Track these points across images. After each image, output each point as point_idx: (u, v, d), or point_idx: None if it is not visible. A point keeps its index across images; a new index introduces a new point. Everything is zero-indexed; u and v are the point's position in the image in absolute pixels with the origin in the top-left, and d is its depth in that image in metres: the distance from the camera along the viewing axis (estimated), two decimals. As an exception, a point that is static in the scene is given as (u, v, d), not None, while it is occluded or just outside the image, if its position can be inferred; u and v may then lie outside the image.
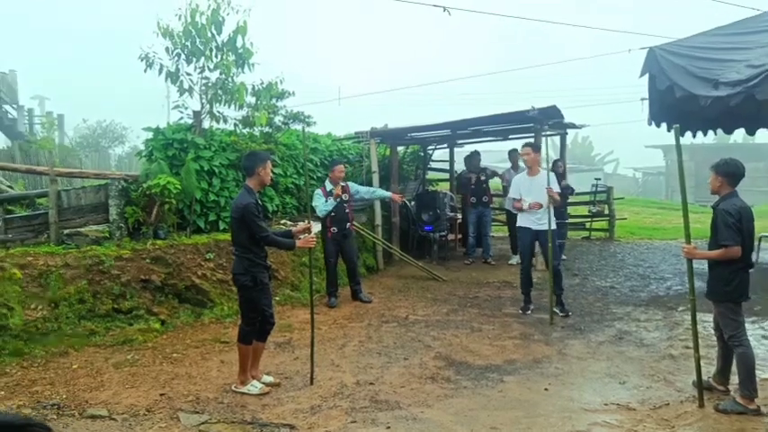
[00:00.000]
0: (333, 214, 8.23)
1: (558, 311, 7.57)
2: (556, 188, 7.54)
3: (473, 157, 11.72)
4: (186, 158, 8.18)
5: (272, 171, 5.49)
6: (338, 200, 8.23)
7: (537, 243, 7.77)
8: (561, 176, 11.44)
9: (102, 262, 6.87)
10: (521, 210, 7.67)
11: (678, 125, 4.69)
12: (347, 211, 8.45)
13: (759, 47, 7.10)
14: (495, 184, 12.85)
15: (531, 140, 8.79)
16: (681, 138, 10.23)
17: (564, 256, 11.53)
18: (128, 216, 7.71)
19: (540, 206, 7.45)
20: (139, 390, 5.26)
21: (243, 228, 5.03)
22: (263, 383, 5.24)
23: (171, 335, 6.82)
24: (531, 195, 7.60)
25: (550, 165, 11.19)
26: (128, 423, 4.62)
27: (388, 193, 9.32)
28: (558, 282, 7.64)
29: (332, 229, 8.26)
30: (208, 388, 5.30)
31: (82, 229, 7.75)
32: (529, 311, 7.80)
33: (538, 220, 7.56)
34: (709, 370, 5.21)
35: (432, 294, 9.01)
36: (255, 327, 5.22)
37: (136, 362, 5.95)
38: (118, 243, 7.43)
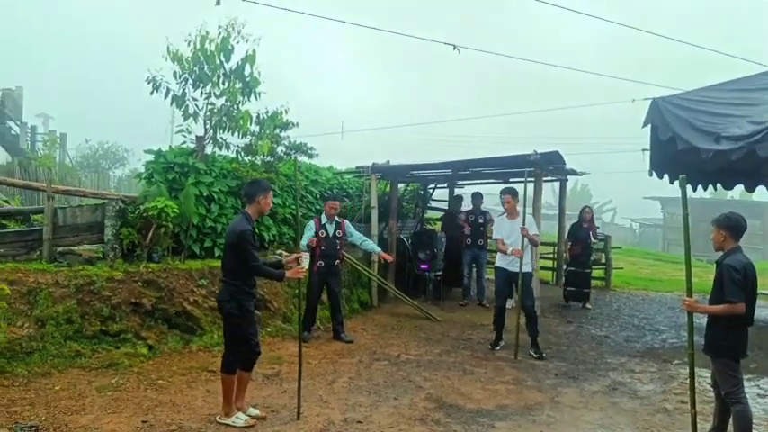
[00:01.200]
0: (322, 248, 8.15)
1: (533, 353, 7.73)
2: (533, 230, 7.86)
3: (476, 199, 11.73)
4: (186, 183, 8.15)
5: (272, 201, 5.45)
6: (324, 237, 8.19)
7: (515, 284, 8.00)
8: (590, 223, 11.49)
9: (93, 282, 6.78)
10: (504, 252, 7.95)
11: (685, 175, 4.65)
12: (338, 247, 8.40)
13: (762, 104, 7.15)
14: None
15: (510, 186, 8.97)
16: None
17: (589, 305, 11.50)
18: (123, 237, 7.64)
19: (522, 254, 7.68)
20: (121, 416, 5.12)
21: (236, 254, 4.94)
22: (249, 416, 5.10)
23: (158, 360, 6.68)
24: (511, 238, 7.92)
25: (577, 211, 11.70)
26: (107, 450, 4.49)
27: (378, 249, 9.11)
28: (533, 324, 7.83)
29: (319, 262, 8.12)
30: (191, 417, 5.17)
31: (75, 248, 7.66)
32: (498, 348, 8.09)
33: (511, 262, 7.87)
34: (704, 426, 5.11)
35: (425, 334, 8.90)
36: (239, 356, 5.09)
37: (120, 386, 5.82)
38: (111, 264, 7.35)
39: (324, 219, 8.32)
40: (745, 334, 4.68)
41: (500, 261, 8.12)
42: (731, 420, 4.73)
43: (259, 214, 5.34)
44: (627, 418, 5.63)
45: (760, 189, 11.34)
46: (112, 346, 6.62)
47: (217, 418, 5.07)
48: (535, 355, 7.67)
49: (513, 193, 8.20)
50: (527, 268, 7.79)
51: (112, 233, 7.61)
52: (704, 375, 6.80)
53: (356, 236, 8.70)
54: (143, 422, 5.00)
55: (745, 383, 6.77)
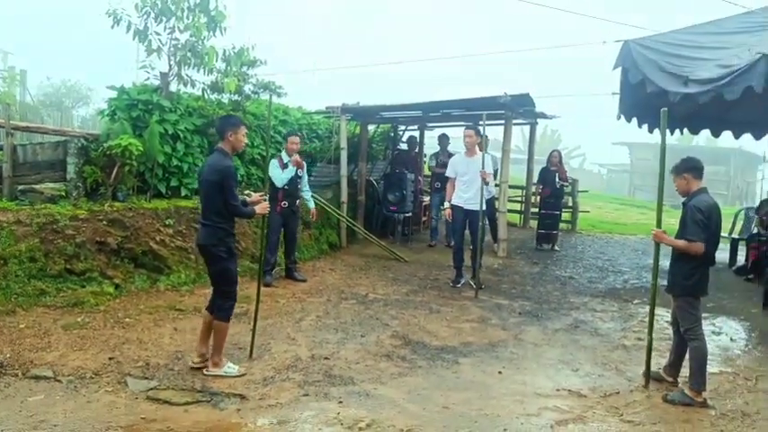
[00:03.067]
0: (285, 187, 7.96)
1: (472, 283, 8.18)
2: (489, 169, 8.15)
3: (442, 140, 11.73)
4: (150, 120, 7.96)
5: (244, 138, 5.14)
6: (296, 169, 8.03)
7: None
8: (558, 167, 11.56)
9: (56, 221, 6.65)
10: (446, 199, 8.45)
11: (666, 108, 4.69)
12: (299, 186, 8.26)
13: (732, 47, 7.16)
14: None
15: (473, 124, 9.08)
16: (650, 134, 10.33)
17: (557, 248, 11.71)
18: (86, 176, 7.48)
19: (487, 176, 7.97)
20: (88, 353, 5.13)
21: (218, 193, 4.67)
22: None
23: (124, 299, 6.66)
24: (466, 176, 8.11)
25: (545, 155, 12.02)
26: (73, 385, 4.50)
27: (312, 206, 8.58)
28: (478, 257, 8.15)
29: (282, 203, 7.94)
30: (159, 354, 5.20)
31: (37, 186, 7.51)
32: (459, 284, 8.36)
33: (468, 200, 8.08)
34: (659, 362, 5.30)
35: (393, 274, 8.99)
36: (235, 299, 4.98)
37: (86, 324, 5.80)
38: (74, 203, 7.22)
39: (285, 157, 8.08)
40: (707, 273, 4.82)
41: (456, 199, 8.28)
42: (687, 356, 4.90)
43: (233, 151, 5.04)
44: (587, 354, 5.81)
45: (726, 134, 11.48)
46: (78, 285, 6.55)
47: (204, 371, 4.83)
48: (474, 286, 8.05)
49: (476, 130, 8.32)
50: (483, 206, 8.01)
51: (75, 171, 7.44)
52: (662, 314, 7.01)
53: (305, 181, 8.48)
54: (109, 359, 5.01)
55: (703, 322, 7.04)
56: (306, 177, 8.49)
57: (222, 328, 4.89)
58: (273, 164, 7.94)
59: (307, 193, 8.52)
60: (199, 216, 5.53)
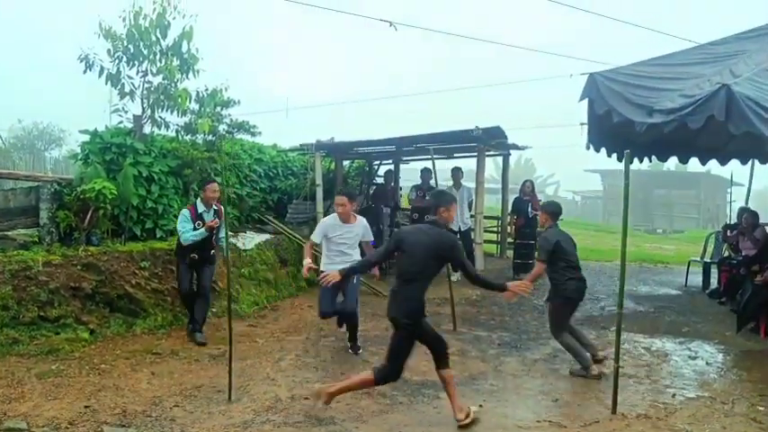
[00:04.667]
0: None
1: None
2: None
3: (424, 174, 11.86)
4: (124, 163, 7.95)
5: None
6: (209, 230, 6.93)
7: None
8: (531, 196, 11.73)
9: (29, 267, 6.57)
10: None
11: (629, 150, 4.83)
12: (213, 238, 7.11)
13: (693, 78, 7.37)
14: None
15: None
16: (619, 163, 10.52)
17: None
18: (59, 221, 7.43)
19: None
20: (63, 401, 5.04)
21: None
22: None
23: (100, 345, 6.57)
24: (342, 245, 6.80)
25: (520, 185, 12.01)
26: (48, 436, 4.41)
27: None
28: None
29: (192, 255, 6.95)
30: (136, 400, 5.12)
31: (9, 233, 7.42)
32: None
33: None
34: (638, 389, 5.37)
35: (371, 309, 8.97)
36: None
37: (61, 372, 5.70)
38: (47, 248, 7.15)
39: (200, 207, 7.06)
40: (573, 284, 6.16)
41: (328, 265, 6.55)
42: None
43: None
44: (566, 384, 5.85)
45: (693, 160, 11.75)
46: (52, 332, 6.46)
47: None
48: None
49: (350, 195, 7.05)
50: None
51: (48, 216, 7.39)
52: (640, 341, 7.11)
53: (222, 226, 6.82)
54: (85, 407, 4.93)
55: (678, 346, 7.17)
56: (224, 223, 6.65)
57: None
58: (184, 216, 6.94)
59: (224, 241, 6.68)
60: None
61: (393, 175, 13.33)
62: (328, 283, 5.18)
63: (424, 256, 4.70)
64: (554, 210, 6.48)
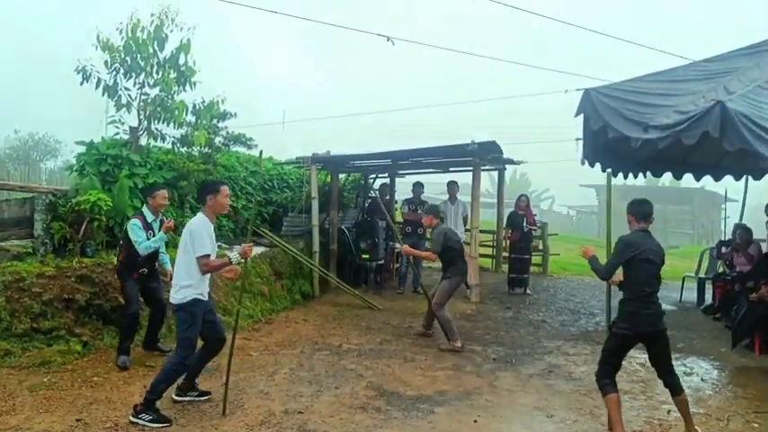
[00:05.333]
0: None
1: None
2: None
3: (416, 188, 11.86)
4: (120, 175, 7.95)
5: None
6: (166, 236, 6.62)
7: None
8: (526, 211, 11.74)
9: (22, 279, 6.54)
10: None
11: (611, 169, 4.85)
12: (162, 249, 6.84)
13: (687, 94, 7.41)
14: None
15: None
16: (613, 178, 10.57)
17: (529, 291, 11.78)
18: (54, 232, 7.41)
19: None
20: (54, 414, 4.99)
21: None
22: None
23: (93, 357, 6.52)
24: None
25: (515, 199, 12.14)
26: (39, 450, 4.37)
27: (169, 268, 6.75)
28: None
29: (141, 269, 6.60)
30: (128, 414, 5.07)
31: (3, 244, 7.39)
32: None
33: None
34: (632, 404, 5.35)
35: (366, 323, 8.96)
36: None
37: (53, 385, 5.65)
38: (42, 259, 7.12)
39: (149, 215, 6.60)
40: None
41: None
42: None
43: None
44: (561, 400, 5.82)
45: (687, 176, 11.79)
46: (44, 344, 6.40)
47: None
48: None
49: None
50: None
51: (43, 228, 7.37)
52: (635, 356, 7.09)
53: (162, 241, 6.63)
54: (77, 420, 4.88)
55: (674, 362, 7.12)
56: (164, 239, 6.62)
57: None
58: (136, 225, 6.46)
59: (165, 256, 6.91)
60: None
61: (389, 189, 13.36)
62: None
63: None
64: (436, 211, 8.14)
